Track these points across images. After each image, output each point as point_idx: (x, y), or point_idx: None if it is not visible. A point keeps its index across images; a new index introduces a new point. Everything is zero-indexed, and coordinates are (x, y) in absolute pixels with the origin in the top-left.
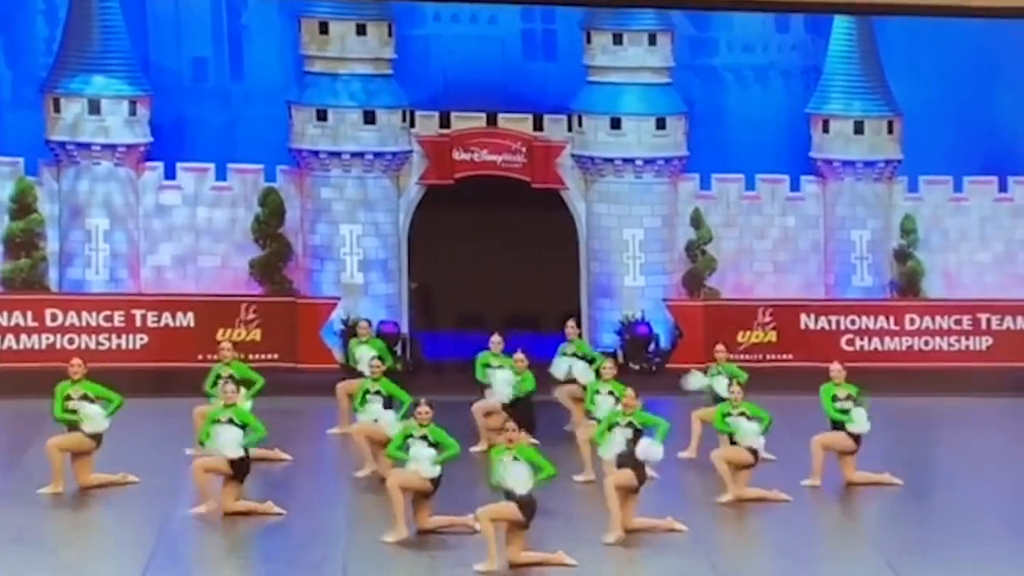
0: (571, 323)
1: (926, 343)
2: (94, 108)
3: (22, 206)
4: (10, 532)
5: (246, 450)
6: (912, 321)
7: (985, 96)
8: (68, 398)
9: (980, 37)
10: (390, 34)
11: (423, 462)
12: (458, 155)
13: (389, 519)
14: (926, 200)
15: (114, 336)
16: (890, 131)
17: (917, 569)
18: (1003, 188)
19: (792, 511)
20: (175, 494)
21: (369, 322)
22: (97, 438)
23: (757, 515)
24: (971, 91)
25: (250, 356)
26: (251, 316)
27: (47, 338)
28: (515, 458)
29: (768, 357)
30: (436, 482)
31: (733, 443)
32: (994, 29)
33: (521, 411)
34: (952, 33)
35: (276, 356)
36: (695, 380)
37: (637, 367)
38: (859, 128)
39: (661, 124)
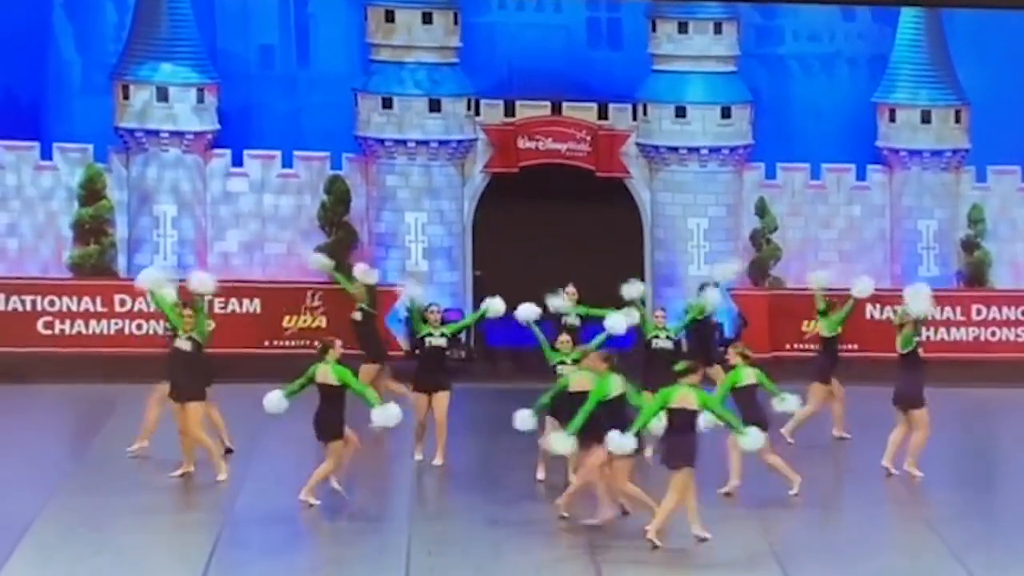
0: (571, 288)
1: (993, 334)
2: (162, 95)
3: (91, 192)
4: (79, 515)
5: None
6: (979, 312)
7: None
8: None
9: None
10: (456, 22)
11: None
12: (523, 143)
13: (448, 504)
14: (994, 190)
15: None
16: (957, 120)
17: (984, 562)
18: None
19: (855, 499)
20: (241, 479)
21: (439, 307)
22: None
23: (819, 504)
24: None
25: (314, 343)
26: (316, 303)
27: (115, 323)
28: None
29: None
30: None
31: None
32: None
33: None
34: (1020, 21)
35: (342, 342)
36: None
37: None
38: (926, 117)
39: (726, 113)
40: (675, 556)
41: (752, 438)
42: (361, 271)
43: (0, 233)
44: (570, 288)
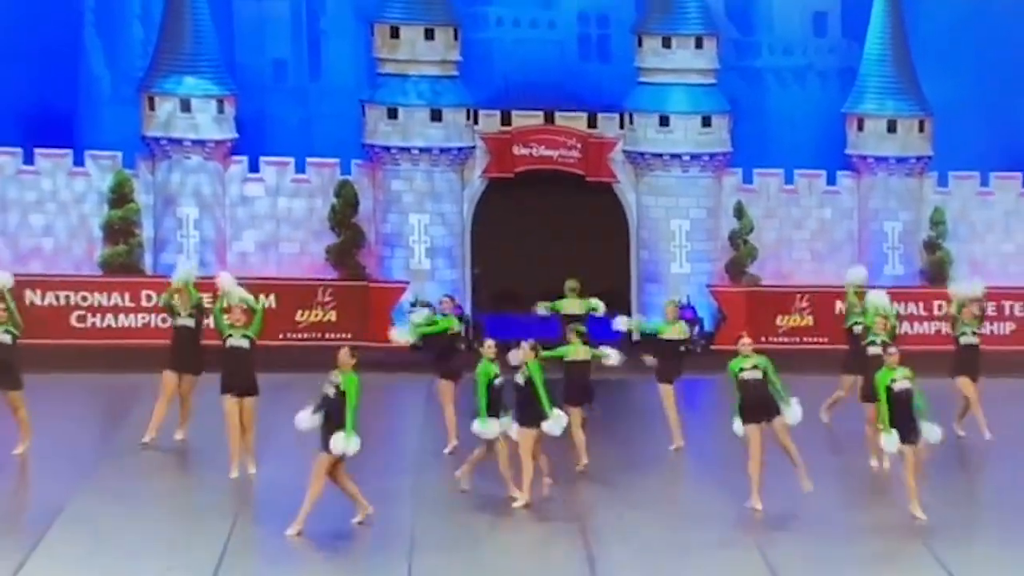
0: (574, 283)
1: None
2: (185, 106)
3: (120, 196)
4: (111, 495)
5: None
6: (940, 307)
7: (1010, 98)
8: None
9: (1007, 43)
10: (456, 38)
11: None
12: (518, 150)
13: (451, 483)
14: (954, 194)
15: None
16: (921, 130)
17: (946, 539)
18: None
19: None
20: (259, 458)
21: (452, 298)
22: None
23: (793, 490)
24: (997, 93)
25: (326, 335)
26: (327, 298)
27: (142, 318)
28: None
29: (805, 340)
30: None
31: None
32: (1020, 34)
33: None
34: (981, 38)
35: (349, 335)
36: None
37: (683, 348)
38: (892, 127)
39: (706, 122)
40: (661, 533)
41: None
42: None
43: (36, 234)
44: (573, 283)
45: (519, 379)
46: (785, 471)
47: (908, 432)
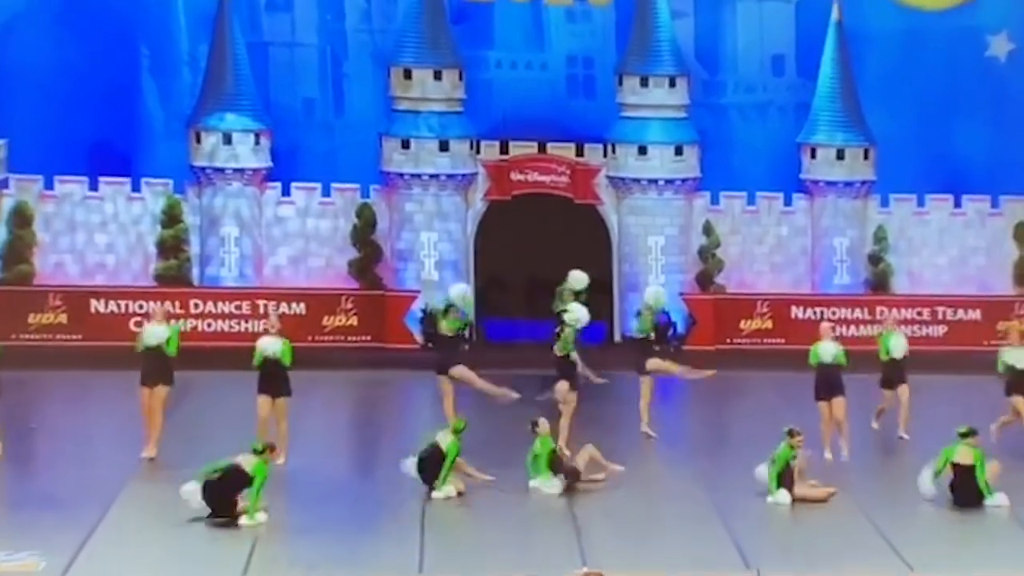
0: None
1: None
2: (227, 140)
3: (171, 217)
4: (163, 481)
5: None
6: (882, 312)
7: (943, 129)
8: None
9: (940, 81)
10: (460, 79)
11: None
12: (515, 176)
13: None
14: (895, 214)
15: (242, 321)
16: (866, 157)
17: (888, 516)
18: (957, 204)
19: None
20: (291, 449)
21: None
22: None
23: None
24: (931, 125)
25: (348, 338)
26: (349, 306)
27: (191, 322)
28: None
29: (765, 341)
30: None
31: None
32: (953, 74)
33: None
34: (917, 77)
35: (369, 337)
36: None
37: (659, 348)
38: (840, 155)
39: (679, 151)
40: (639, 509)
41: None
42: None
43: (100, 251)
44: (575, 274)
45: None
46: (754, 451)
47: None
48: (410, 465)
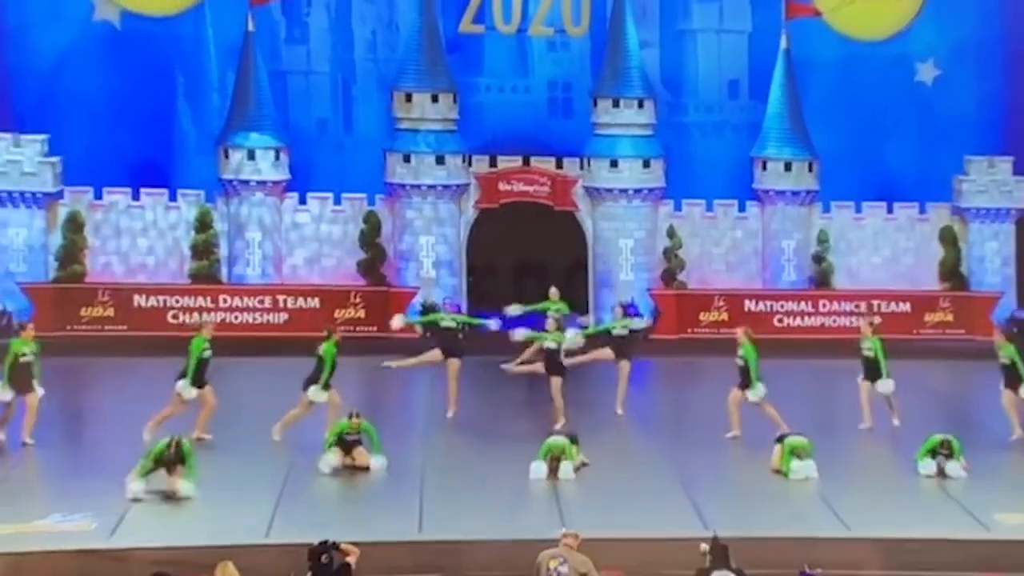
0: (554, 289)
1: (834, 321)
2: (251, 156)
3: (203, 224)
4: (197, 447)
5: None
6: (824, 305)
7: (878, 144)
8: None
9: (875, 101)
10: (455, 101)
11: None
12: (502, 186)
13: (450, 440)
14: (835, 219)
15: (264, 314)
16: (810, 169)
17: (833, 486)
18: (890, 211)
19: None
20: (301, 429)
21: (448, 300)
22: None
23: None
24: (868, 141)
25: (356, 328)
26: (357, 300)
27: (220, 315)
28: None
29: (722, 331)
30: None
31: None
32: (886, 96)
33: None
34: (855, 98)
35: (375, 328)
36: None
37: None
38: (788, 167)
39: (647, 164)
40: (611, 480)
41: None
42: None
43: (142, 253)
44: (553, 290)
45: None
46: (711, 427)
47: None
48: None
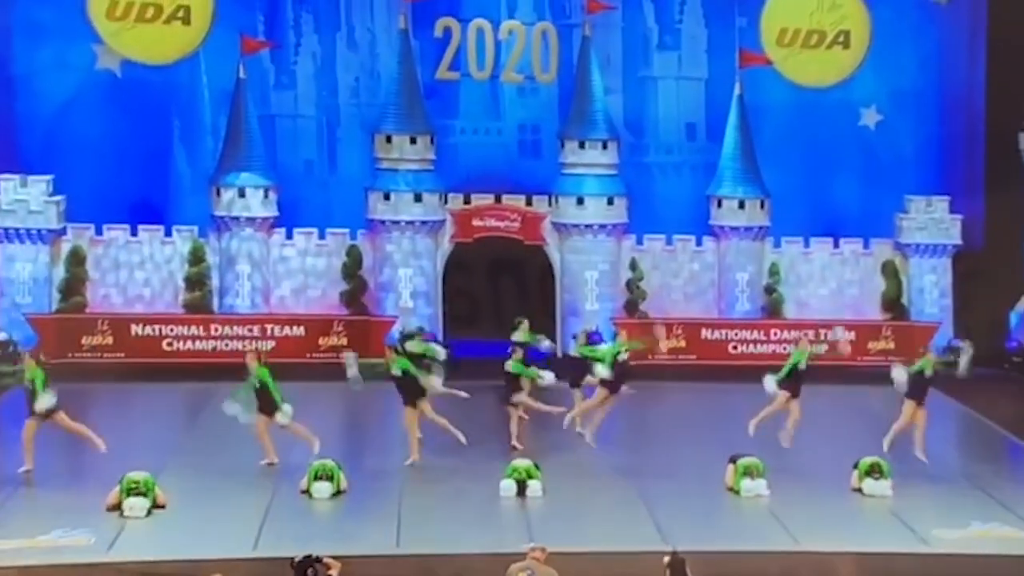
0: (525, 321)
1: (784, 348)
2: (242, 194)
3: (196, 257)
4: (192, 469)
5: None
6: (775, 334)
7: (825, 184)
8: None
9: (822, 144)
10: (432, 143)
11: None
12: (476, 222)
13: (428, 455)
14: (785, 253)
15: (253, 342)
16: (762, 207)
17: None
18: (836, 246)
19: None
20: (286, 451)
21: (423, 330)
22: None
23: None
24: (816, 181)
25: (339, 355)
26: (340, 328)
27: (212, 343)
28: None
29: (680, 357)
30: None
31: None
32: (832, 139)
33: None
34: (804, 141)
35: (357, 354)
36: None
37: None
38: (742, 205)
39: (611, 201)
40: (568, 488)
41: None
42: None
43: (139, 285)
44: (524, 322)
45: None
46: (670, 448)
47: None
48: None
